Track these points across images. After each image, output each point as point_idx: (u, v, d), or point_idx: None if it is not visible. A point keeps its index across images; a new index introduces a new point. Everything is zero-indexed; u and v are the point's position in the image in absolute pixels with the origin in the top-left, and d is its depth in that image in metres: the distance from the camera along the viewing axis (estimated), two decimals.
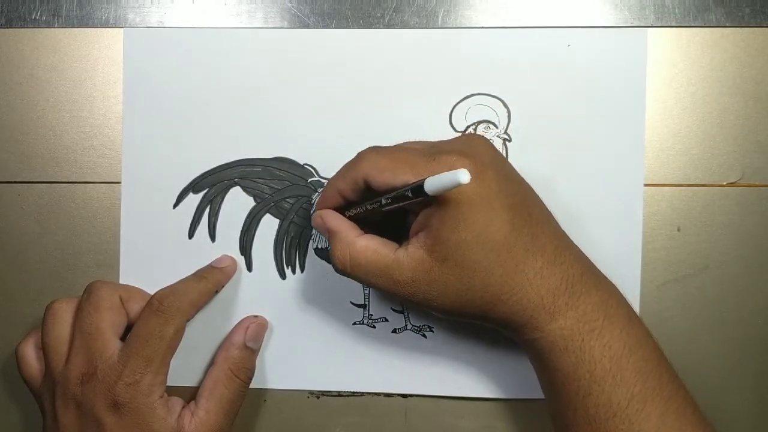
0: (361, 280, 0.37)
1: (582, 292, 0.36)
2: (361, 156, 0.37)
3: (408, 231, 0.37)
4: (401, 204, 0.34)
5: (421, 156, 0.36)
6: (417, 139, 0.41)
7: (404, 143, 0.40)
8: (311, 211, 0.44)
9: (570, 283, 0.36)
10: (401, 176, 0.35)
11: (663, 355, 0.36)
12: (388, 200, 0.35)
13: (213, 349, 0.44)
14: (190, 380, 0.44)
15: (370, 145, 0.38)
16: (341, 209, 0.39)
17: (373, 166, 0.36)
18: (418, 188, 0.32)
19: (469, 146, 0.37)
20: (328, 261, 0.44)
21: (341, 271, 0.38)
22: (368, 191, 0.37)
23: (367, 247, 0.37)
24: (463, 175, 0.30)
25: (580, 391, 0.35)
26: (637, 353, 0.35)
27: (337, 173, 0.39)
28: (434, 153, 0.36)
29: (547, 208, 0.38)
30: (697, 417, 0.35)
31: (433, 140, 0.40)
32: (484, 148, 0.37)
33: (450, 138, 0.40)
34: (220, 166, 0.44)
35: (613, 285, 0.38)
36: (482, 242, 0.35)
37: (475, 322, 0.37)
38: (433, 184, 0.32)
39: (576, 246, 0.38)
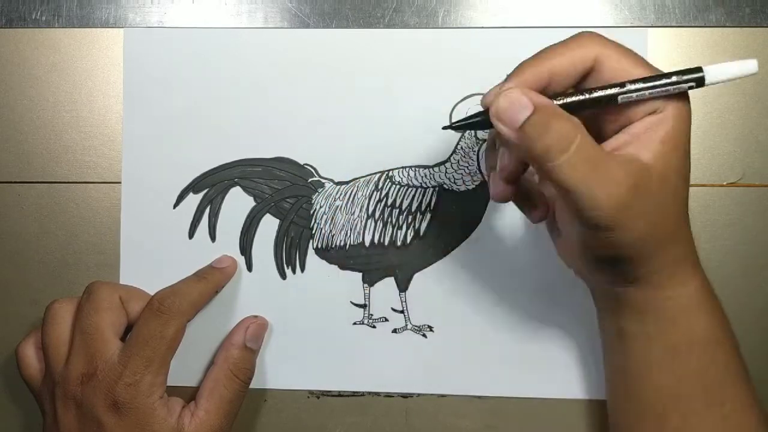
0: (573, 175, 0.30)
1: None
2: (585, 37, 0.32)
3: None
4: (652, 94, 0.30)
5: (645, 63, 0.32)
6: (418, 140, 0.41)
7: None
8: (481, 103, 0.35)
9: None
10: (638, 68, 0.31)
11: None
12: (644, 87, 0.30)
13: (213, 349, 0.44)
14: (190, 380, 0.44)
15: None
16: None
17: (607, 50, 0.31)
18: (696, 76, 0.30)
19: None
20: (329, 261, 0.44)
21: (556, 157, 0.30)
22: (580, 82, 0.32)
23: (593, 140, 0.30)
24: (754, 65, 0.30)
25: (719, 353, 0.35)
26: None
27: (542, 52, 0.32)
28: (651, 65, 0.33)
29: None
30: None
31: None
32: None
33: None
34: (220, 166, 0.44)
35: None
36: (686, 169, 0.33)
37: (624, 271, 0.34)
38: (717, 72, 0.30)
39: None
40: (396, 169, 0.43)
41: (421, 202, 0.43)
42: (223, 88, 0.44)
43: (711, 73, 0.30)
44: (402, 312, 0.44)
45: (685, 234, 0.34)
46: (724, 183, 0.43)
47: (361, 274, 0.44)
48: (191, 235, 0.44)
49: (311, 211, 0.44)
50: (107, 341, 0.39)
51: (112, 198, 0.45)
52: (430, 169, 0.43)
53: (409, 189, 0.43)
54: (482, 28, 0.43)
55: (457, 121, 0.33)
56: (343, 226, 0.44)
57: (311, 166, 0.44)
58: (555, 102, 0.31)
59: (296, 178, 0.44)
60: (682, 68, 0.31)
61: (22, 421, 0.46)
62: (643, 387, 0.36)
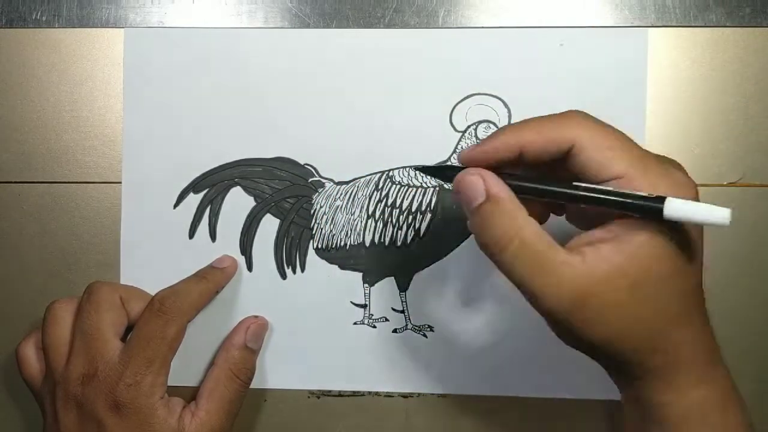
0: (514, 272, 0.30)
1: (722, 366, 0.32)
2: (571, 117, 0.30)
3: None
4: (609, 209, 0.28)
5: (652, 157, 0.30)
6: (418, 140, 0.40)
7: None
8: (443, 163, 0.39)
9: (715, 351, 0.32)
10: (620, 164, 0.29)
11: None
12: (601, 197, 0.28)
13: (213, 350, 0.44)
14: (191, 380, 0.44)
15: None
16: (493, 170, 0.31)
17: (589, 136, 0.29)
18: (653, 205, 0.27)
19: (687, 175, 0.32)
20: (329, 261, 0.44)
21: (497, 252, 0.30)
22: (550, 164, 0.30)
23: (540, 238, 0.29)
24: (727, 217, 0.26)
25: None
26: None
27: (523, 123, 0.31)
28: (663, 162, 0.30)
29: None
30: None
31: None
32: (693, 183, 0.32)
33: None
34: (221, 166, 0.44)
35: None
36: (675, 281, 0.30)
37: (606, 367, 0.33)
38: (679, 210, 0.26)
39: None
40: (396, 169, 0.43)
41: (421, 202, 0.43)
42: (223, 87, 0.44)
43: (670, 208, 0.26)
44: (402, 312, 0.44)
45: (680, 338, 0.31)
46: (724, 183, 0.43)
47: (361, 274, 0.44)
48: (191, 235, 0.44)
49: (311, 211, 0.44)
50: (108, 341, 0.39)
51: (112, 198, 0.44)
52: None
53: (410, 189, 0.43)
54: (482, 28, 0.43)
55: (431, 166, 0.36)
56: (344, 226, 0.44)
57: (311, 166, 0.44)
58: (518, 182, 0.30)
59: (296, 178, 0.44)
60: (647, 195, 0.28)
61: (22, 421, 0.46)
62: None
